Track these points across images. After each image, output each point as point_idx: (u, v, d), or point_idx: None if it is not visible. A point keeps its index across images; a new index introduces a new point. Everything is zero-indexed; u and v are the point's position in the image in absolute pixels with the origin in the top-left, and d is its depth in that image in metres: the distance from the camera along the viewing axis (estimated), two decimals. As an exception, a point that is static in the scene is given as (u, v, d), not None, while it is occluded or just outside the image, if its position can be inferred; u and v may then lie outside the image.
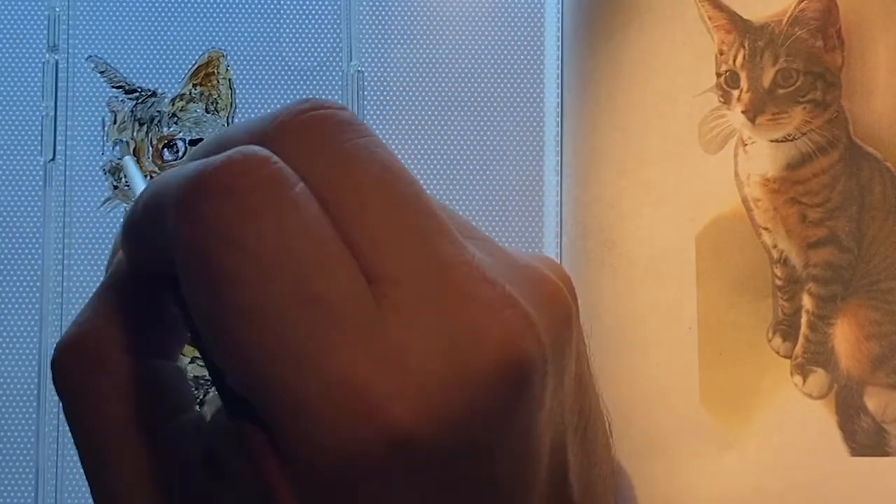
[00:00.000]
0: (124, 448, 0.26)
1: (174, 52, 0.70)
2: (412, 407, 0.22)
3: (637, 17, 0.67)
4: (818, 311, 0.63)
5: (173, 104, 0.70)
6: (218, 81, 0.70)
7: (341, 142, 0.26)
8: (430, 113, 0.70)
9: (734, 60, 0.65)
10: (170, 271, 0.26)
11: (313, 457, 0.23)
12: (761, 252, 0.64)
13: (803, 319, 0.63)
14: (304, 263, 0.23)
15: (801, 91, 0.64)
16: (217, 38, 0.70)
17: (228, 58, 0.70)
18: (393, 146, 0.71)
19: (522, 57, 0.70)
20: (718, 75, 0.65)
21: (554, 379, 0.24)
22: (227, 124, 0.70)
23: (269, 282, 0.23)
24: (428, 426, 0.22)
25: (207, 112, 0.70)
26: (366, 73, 0.70)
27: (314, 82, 0.70)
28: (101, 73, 0.70)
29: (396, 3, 0.71)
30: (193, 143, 0.70)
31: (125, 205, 0.68)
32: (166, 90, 0.70)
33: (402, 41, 0.71)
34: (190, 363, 0.60)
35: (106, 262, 0.30)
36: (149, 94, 0.70)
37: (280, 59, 0.70)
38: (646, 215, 0.65)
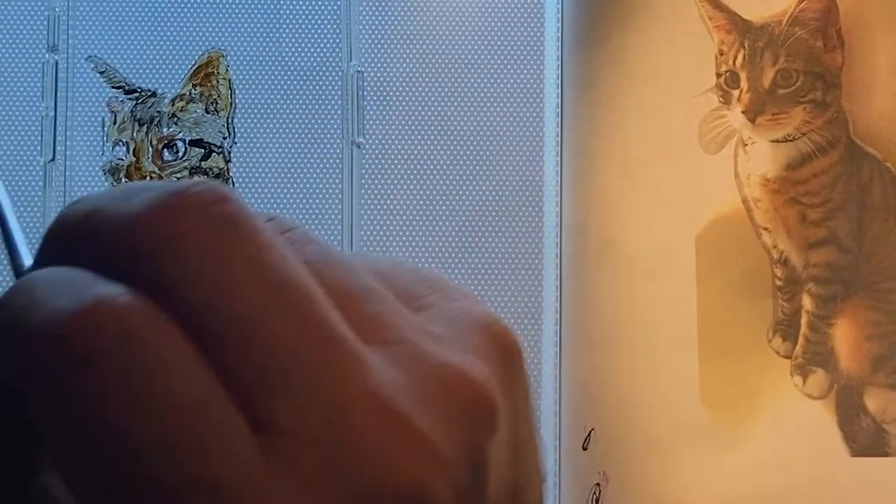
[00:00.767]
0: None
1: (174, 52, 0.70)
2: None
3: (637, 18, 0.67)
4: (818, 311, 0.63)
5: (173, 104, 0.70)
6: (218, 82, 0.70)
7: (232, 256, 0.22)
8: (429, 113, 0.70)
9: (734, 61, 0.65)
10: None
11: None
12: (761, 252, 0.64)
13: (803, 320, 0.63)
14: (180, 439, 0.21)
15: (802, 91, 0.64)
16: (217, 39, 0.70)
17: (228, 58, 0.70)
18: (393, 146, 0.71)
19: (522, 57, 0.70)
20: (718, 75, 0.65)
21: (474, 494, 0.23)
22: (227, 124, 0.70)
23: (143, 470, 0.21)
24: None
25: (207, 112, 0.70)
26: (365, 74, 0.70)
27: (314, 82, 0.70)
28: (101, 73, 0.70)
29: (396, 4, 0.71)
30: (193, 143, 0.70)
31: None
32: (166, 90, 0.70)
33: (401, 42, 0.71)
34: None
35: None
36: (149, 94, 0.70)
37: (280, 59, 0.70)
38: (646, 215, 0.65)
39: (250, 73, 0.70)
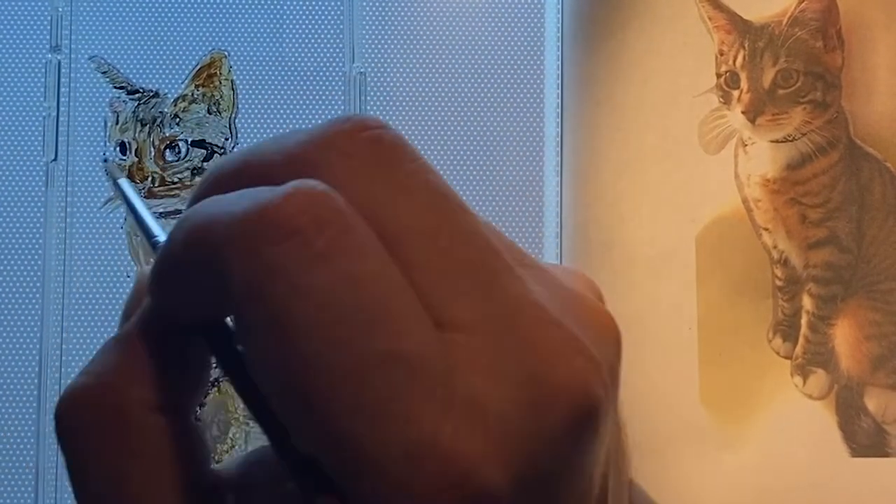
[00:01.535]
0: None
1: (177, 52, 0.70)
2: (498, 469, 0.21)
3: (637, 18, 0.67)
4: (818, 311, 0.63)
5: (175, 105, 0.70)
6: (220, 82, 0.70)
7: (397, 171, 0.24)
8: (431, 113, 0.70)
9: (734, 61, 0.65)
10: (210, 318, 0.24)
11: None
12: (761, 252, 0.64)
13: (803, 320, 0.63)
14: (378, 315, 0.22)
15: (802, 91, 0.64)
16: (219, 40, 0.71)
17: (231, 59, 0.70)
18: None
19: (522, 57, 0.70)
20: (718, 76, 0.65)
21: (611, 412, 0.24)
22: (230, 125, 0.70)
23: (343, 335, 0.21)
24: (512, 485, 0.22)
25: (210, 113, 0.70)
26: (368, 75, 0.70)
27: (317, 83, 0.70)
28: (104, 73, 0.70)
29: (398, 5, 0.71)
30: (195, 143, 0.70)
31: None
32: (169, 91, 0.70)
33: (403, 43, 0.71)
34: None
35: (123, 305, 0.27)
36: (151, 94, 0.70)
37: (283, 60, 0.70)
38: (646, 215, 0.65)
39: (253, 74, 0.70)
